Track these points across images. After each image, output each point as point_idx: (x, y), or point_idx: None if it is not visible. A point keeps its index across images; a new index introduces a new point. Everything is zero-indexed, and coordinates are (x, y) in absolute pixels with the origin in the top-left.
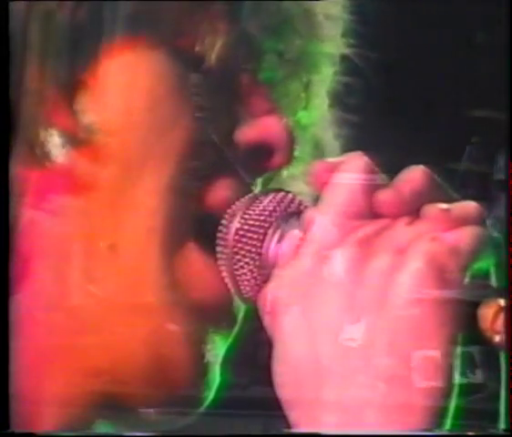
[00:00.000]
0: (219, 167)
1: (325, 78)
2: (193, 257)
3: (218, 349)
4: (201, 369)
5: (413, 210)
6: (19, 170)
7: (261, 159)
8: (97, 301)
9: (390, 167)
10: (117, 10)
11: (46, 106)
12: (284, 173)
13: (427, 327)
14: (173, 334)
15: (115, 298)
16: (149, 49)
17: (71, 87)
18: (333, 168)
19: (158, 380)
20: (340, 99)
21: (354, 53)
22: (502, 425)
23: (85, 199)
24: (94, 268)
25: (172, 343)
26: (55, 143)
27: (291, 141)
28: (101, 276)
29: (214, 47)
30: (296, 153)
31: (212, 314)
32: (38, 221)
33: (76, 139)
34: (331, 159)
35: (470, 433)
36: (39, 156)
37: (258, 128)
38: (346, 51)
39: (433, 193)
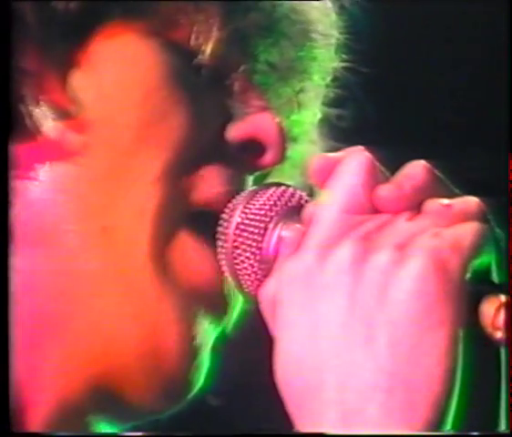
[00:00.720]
0: (211, 159)
1: (317, 86)
2: (185, 243)
3: (208, 333)
4: (191, 352)
5: (414, 206)
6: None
7: (253, 156)
8: (87, 282)
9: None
10: None
11: (38, 82)
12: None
13: (429, 323)
14: (164, 317)
15: (106, 279)
16: (142, 37)
17: (64, 65)
18: (334, 163)
19: (149, 362)
20: (332, 110)
21: (346, 67)
22: (502, 425)
23: (74, 173)
24: (85, 248)
25: (163, 326)
26: (45, 116)
27: (283, 140)
28: (92, 256)
29: (208, 43)
30: (288, 152)
31: (204, 298)
32: (28, 192)
33: (67, 113)
34: (331, 154)
35: (470, 433)
36: (30, 129)
37: (250, 125)
38: (339, 64)
39: (434, 188)
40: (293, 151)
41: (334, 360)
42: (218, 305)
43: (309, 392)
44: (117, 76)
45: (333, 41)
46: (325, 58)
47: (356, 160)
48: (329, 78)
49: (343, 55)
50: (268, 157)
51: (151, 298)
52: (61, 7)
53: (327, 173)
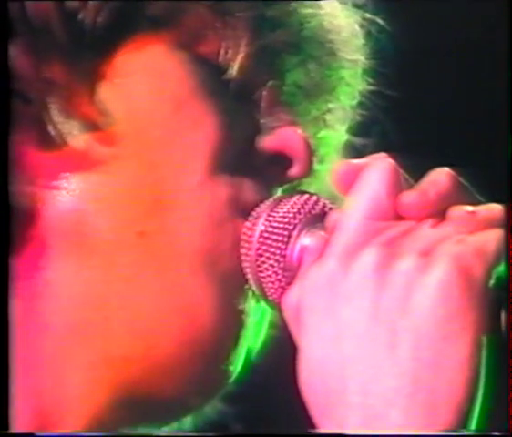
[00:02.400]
0: (240, 171)
1: (344, 108)
2: (236, 232)
3: (249, 318)
4: (231, 338)
5: (438, 213)
6: (31, 153)
7: (280, 169)
8: (123, 287)
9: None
10: (140, 8)
11: (65, 94)
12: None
13: (452, 329)
14: (204, 305)
15: (142, 280)
16: (170, 49)
17: (92, 76)
18: (358, 170)
19: (190, 351)
20: (358, 132)
21: (373, 91)
22: (502, 425)
23: (106, 183)
24: (120, 254)
25: (203, 314)
26: (72, 128)
27: (310, 153)
28: (127, 262)
29: (236, 58)
30: (316, 166)
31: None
32: (53, 201)
33: (95, 125)
34: (355, 161)
35: (470, 433)
36: (56, 139)
37: (277, 138)
38: (365, 88)
39: (458, 195)
40: (320, 171)
41: (358, 366)
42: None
43: (332, 397)
44: (146, 87)
45: (360, 64)
46: (352, 80)
47: (380, 167)
48: (355, 101)
49: (369, 79)
50: (295, 170)
51: (192, 289)
52: (89, 20)
53: (351, 180)
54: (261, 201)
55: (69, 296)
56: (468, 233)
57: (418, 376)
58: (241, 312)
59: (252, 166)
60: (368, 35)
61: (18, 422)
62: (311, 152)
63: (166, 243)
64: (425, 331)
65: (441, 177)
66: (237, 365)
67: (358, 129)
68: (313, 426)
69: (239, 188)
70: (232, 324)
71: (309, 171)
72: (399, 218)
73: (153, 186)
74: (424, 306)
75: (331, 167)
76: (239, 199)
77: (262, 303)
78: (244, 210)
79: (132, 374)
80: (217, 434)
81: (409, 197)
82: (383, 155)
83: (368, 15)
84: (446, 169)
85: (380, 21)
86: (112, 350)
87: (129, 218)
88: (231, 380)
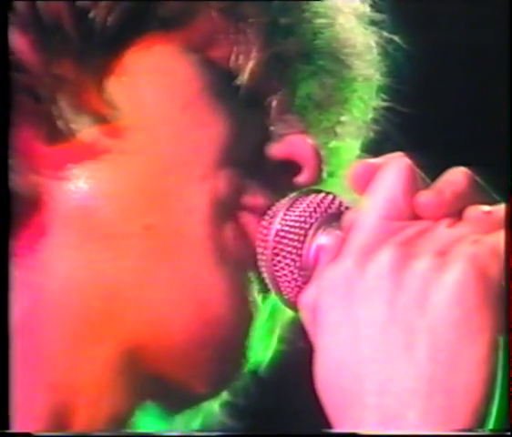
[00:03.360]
0: (249, 174)
1: (356, 121)
2: (239, 220)
3: (264, 306)
4: (245, 322)
5: (454, 212)
6: (39, 146)
7: (289, 176)
8: (132, 279)
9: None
10: (152, 8)
11: (74, 88)
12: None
13: (469, 329)
14: (215, 290)
15: (152, 271)
16: (180, 51)
17: (101, 72)
18: (374, 170)
19: (203, 337)
20: (371, 148)
21: (387, 107)
22: (502, 425)
23: (113, 176)
24: (129, 246)
25: (215, 299)
26: (80, 121)
27: (319, 161)
28: (137, 253)
29: (247, 65)
30: (326, 178)
31: (256, 269)
32: (60, 193)
33: (103, 118)
34: (371, 160)
35: (470, 433)
36: (63, 132)
37: (287, 145)
38: (379, 104)
39: (474, 195)
40: (330, 184)
41: (374, 366)
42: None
43: (349, 397)
44: (154, 85)
45: (375, 80)
46: (365, 95)
47: (396, 167)
48: (369, 116)
49: (384, 96)
50: (303, 178)
51: (202, 276)
52: (100, 19)
53: (367, 179)
54: (268, 204)
55: (79, 288)
56: (484, 233)
57: (435, 377)
58: (252, 301)
59: (260, 170)
60: (384, 52)
61: (31, 421)
62: (320, 160)
63: (172, 234)
64: (442, 332)
65: (457, 176)
66: (249, 355)
67: (371, 146)
68: None
69: (243, 189)
70: (244, 312)
71: (318, 179)
72: (415, 217)
73: (158, 179)
74: (440, 306)
75: (341, 180)
76: (242, 199)
77: (270, 305)
78: (247, 210)
79: (145, 363)
80: (218, 434)
81: (425, 196)
82: (399, 154)
83: (385, 33)
84: (463, 169)
85: (396, 39)
86: (124, 340)
87: (136, 211)
88: (243, 370)
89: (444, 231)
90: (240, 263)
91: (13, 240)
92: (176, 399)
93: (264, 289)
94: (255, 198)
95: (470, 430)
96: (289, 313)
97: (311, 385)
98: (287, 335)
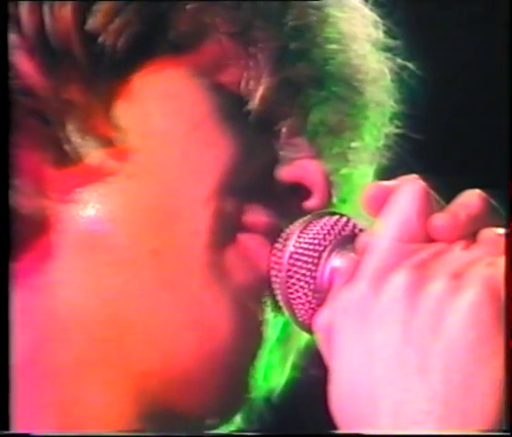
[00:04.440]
0: (257, 197)
1: (368, 147)
2: (241, 245)
3: (271, 330)
4: (249, 349)
5: (469, 235)
6: (45, 169)
7: (298, 200)
8: (138, 305)
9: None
10: (162, 31)
11: (82, 112)
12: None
13: (484, 352)
14: (220, 317)
15: (157, 297)
16: (189, 75)
17: (109, 95)
18: (388, 192)
19: (208, 364)
20: (383, 175)
21: (399, 134)
22: (502, 425)
23: (119, 200)
24: (135, 271)
25: (219, 326)
26: (87, 144)
27: (328, 186)
28: (143, 278)
29: (257, 90)
30: (337, 204)
31: (262, 295)
32: (66, 215)
33: (109, 141)
34: (385, 183)
35: (470, 433)
36: (70, 155)
37: (296, 169)
38: (391, 130)
39: (489, 217)
40: (343, 209)
41: (388, 388)
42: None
43: (363, 419)
44: (162, 108)
45: (388, 106)
46: (378, 120)
47: (411, 189)
48: (381, 143)
49: (398, 122)
50: (313, 203)
51: (207, 302)
52: (110, 43)
53: (381, 201)
54: (274, 227)
55: (86, 313)
56: (499, 255)
57: (449, 399)
58: (259, 325)
59: (269, 194)
60: (398, 78)
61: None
62: (329, 185)
63: (177, 259)
64: (457, 354)
65: (472, 198)
66: (257, 380)
67: (384, 172)
68: None
69: (250, 213)
70: (250, 337)
71: (327, 204)
72: (430, 240)
73: (164, 203)
74: (455, 329)
75: (354, 206)
76: (248, 223)
77: (282, 331)
78: (254, 234)
79: (152, 388)
80: (219, 434)
81: (440, 219)
82: (413, 176)
83: (399, 60)
84: (477, 191)
85: (410, 65)
86: (130, 365)
87: (142, 235)
88: (251, 396)
89: (458, 254)
90: (246, 289)
91: (13, 262)
92: (184, 428)
93: (274, 313)
94: (262, 222)
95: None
96: (303, 340)
97: (324, 413)
98: (301, 362)
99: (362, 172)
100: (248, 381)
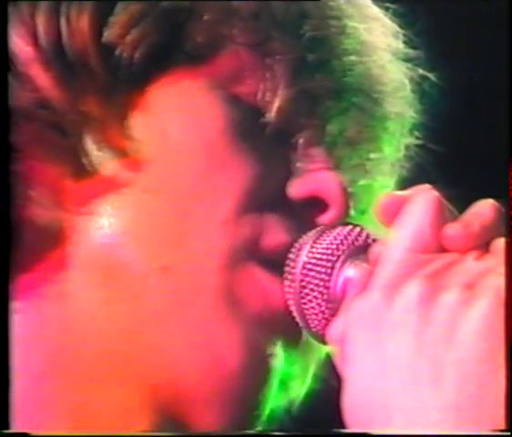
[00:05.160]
0: (274, 211)
1: (388, 159)
2: (254, 273)
3: (280, 360)
4: (259, 378)
5: (482, 245)
6: (62, 180)
7: (315, 213)
8: (149, 321)
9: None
10: (178, 43)
11: (99, 127)
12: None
13: (497, 362)
14: (230, 344)
15: (168, 315)
16: (206, 87)
17: (125, 107)
18: (402, 202)
19: (217, 390)
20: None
21: (419, 145)
22: (502, 425)
23: (133, 214)
24: (146, 287)
25: (230, 352)
26: (104, 156)
27: (345, 199)
28: (153, 295)
29: (274, 101)
30: (355, 215)
31: (275, 325)
32: (82, 228)
33: (125, 152)
34: (399, 193)
35: (470, 433)
36: (87, 168)
37: (313, 182)
38: (411, 141)
39: (502, 227)
40: (362, 220)
41: (402, 398)
42: (290, 331)
43: (376, 429)
44: (179, 122)
45: (407, 118)
46: (397, 131)
47: (424, 199)
48: (400, 154)
49: (417, 133)
50: (329, 215)
51: (217, 327)
52: (127, 55)
53: (394, 211)
54: (292, 244)
55: (97, 328)
56: None
57: (462, 409)
58: (268, 357)
59: (286, 208)
60: (418, 88)
61: None
62: (347, 198)
63: (189, 278)
64: (470, 365)
65: (485, 209)
66: (264, 409)
67: (404, 183)
68: None
69: (267, 230)
70: (259, 366)
71: (344, 217)
72: (443, 250)
73: (178, 219)
74: (468, 339)
75: (372, 217)
76: (265, 241)
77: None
78: (271, 253)
79: (162, 401)
80: (220, 434)
81: (453, 229)
82: (427, 186)
83: (419, 70)
84: (490, 201)
85: (431, 76)
86: (141, 377)
87: (155, 250)
88: (258, 424)
89: (471, 264)
90: (257, 315)
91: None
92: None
93: (285, 340)
94: (279, 240)
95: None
96: (323, 351)
97: (344, 423)
98: (321, 373)
99: (381, 183)
100: (255, 408)
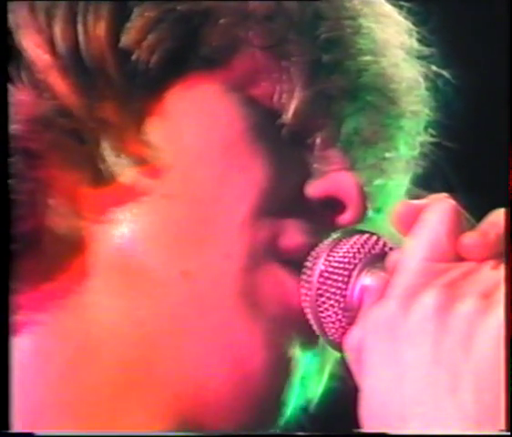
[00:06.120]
0: (292, 213)
1: (403, 158)
2: (275, 274)
3: (298, 359)
4: (281, 378)
5: (499, 254)
6: (81, 188)
7: (333, 214)
8: (170, 326)
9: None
10: (194, 46)
11: (115, 131)
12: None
13: None
14: (252, 345)
15: (189, 320)
16: (223, 90)
17: (142, 113)
18: (418, 210)
19: (239, 392)
20: (420, 183)
21: (435, 143)
22: (502, 425)
23: (153, 219)
24: (166, 293)
25: (252, 354)
26: (122, 163)
27: (363, 199)
28: (174, 300)
29: (290, 103)
30: (371, 215)
31: (294, 325)
32: (101, 236)
33: (143, 159)
34: (416, 201)
35: (470, 433)
36: (105, 174)
37: (330, 183)
38: (426, 139)
39: None
40: (376, 220)
41: (419, 408)
42: (309, 331)
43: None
44: (196, 127)
45: (422, 116)
46: (412, 130)
47: (441, 208)
48: (416, 152)
49: (432, 131)
50: (347, 216)
51: (239, 329)
52: (143, 60)
53: (411, 220)
54: (310, 245)
55: (119, 335)
56: None
57: (480, 419)
58: (289, 358)
59: (303, 210)
60: (433, 86)
61: None
62: (364, 198)
63: (209, 283)
64: (487, 374)
65: (502, 217)
66: (287, 409)
67: (419, 181)
68: None
69: (284, 232)
70: (280, 368)
71: (361, 218)
72: (459, 259)
73: (197, 224)
74: (485, 348)
75: (388, 217)
76: (283, 243)
77: (319, 351)
78: (289, 254)
79: (183, 409)
80: (218, 434)
81: (470, 238)
82: (443, 195)
83: (434, 68)
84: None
85: (446, 74)
86: (162, 386)
87: (174, 256)
88: (280, 424)
89: (488, 273)
90: (278, 318)
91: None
92: None
93: (305, 341)
94: (297, 242)
95: None
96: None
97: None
98: (339, 372)
99: (397, 182)
100: (276, 410)
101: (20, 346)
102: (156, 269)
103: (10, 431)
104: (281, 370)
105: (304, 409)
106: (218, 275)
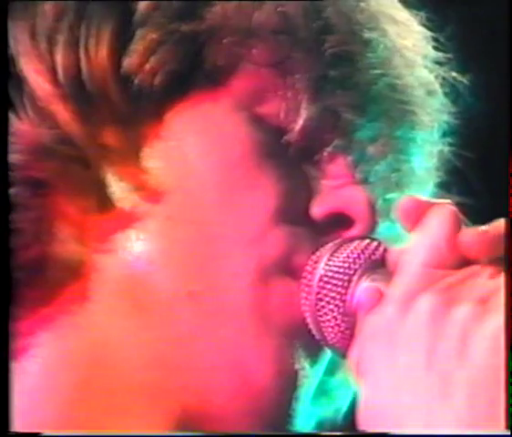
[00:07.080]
0: (300, 230)
1: (417, 169)
2: (284, 288)
3: (306, 371)
4: (289, 390)
5: (497, 260)
6: (83, 215)
7: (341, 229)
8: (178, 346)
9: None
10: (198, 65)
11: (119, 159)
12: None
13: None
14: (261, 359)
15: (197, 339)
16: (227, 109)
17: (146, 139)
18: (423, 208)
19: (247, 406)
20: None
21: (451, 151)
22: (502, 425)
23: (157, 244)
24: (173, 314)
25: (260, 368)
26: (124, 189)
27: (372, 214)
28: (181, 321)
29: (297, 120)
30: (379, 228)
31: (302, 337)
32: (104, 260)
33: (145, 185)
34: (422, 198)
35: (469, 433)
36: (108, 200)
37: (339, 198)
38: (444, 148)
39: None
40: (390, 231)
41: (414, 413)
42: (316, 343)
43: None
44: (200, 145)
45: (437, 125)
46: (426, 141)
47: (441, 214)
48: (431, 162)
49: (450, 140)
50: (355, 231)
51: (248, 346)
52: (146, 84)
53: (415, 216)
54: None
55: (125, 357)
56: None
57: (474, 425)
58: (298, 371)
59: (312, 225)
60: (449, 94)
61: None
62: (373, 212)
63: (216, 301)
64: (482, 381)
65: (502, 222)
66: (294, 425)
67: (435, 191)
68: None
69: (292, 248)
70: (289, 383)
71: (370, 232)
72: (458, 266)
73: (204, 245)
74: (480, 355)
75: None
76: (291, 258)
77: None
78: (298, 268)
79: (193, 426)
80: (220, 433)
81: (468, 235)
82: (446, 202)
83: (450, 75)
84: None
85: (463, 80)
86: (172, 409)
87: (181, 277)
88: (291, 427)
89: (485, 279)
90: (287, 332)
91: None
92: None
93: (313, 356)
94: (306, 256)
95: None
96: None
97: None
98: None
99: (412, 190)
100: (286, 418)
101: (23, 369)
102: (162, 290)
103: (16, 431)
104: (289, 384)
105: (333, 420)
106: (225, 294)
